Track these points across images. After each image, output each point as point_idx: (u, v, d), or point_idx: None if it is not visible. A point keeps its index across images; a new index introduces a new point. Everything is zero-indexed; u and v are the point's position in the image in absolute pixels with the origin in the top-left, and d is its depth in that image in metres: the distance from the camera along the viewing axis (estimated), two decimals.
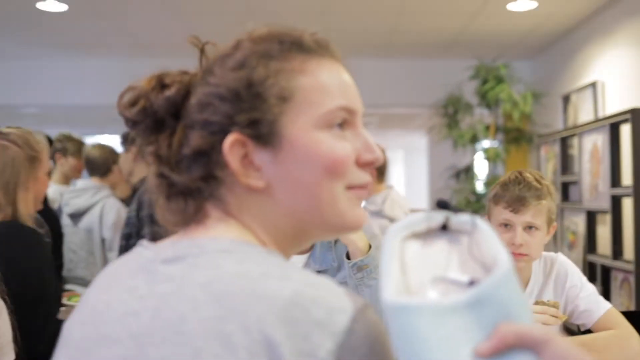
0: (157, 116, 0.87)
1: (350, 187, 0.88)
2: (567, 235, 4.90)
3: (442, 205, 0.91)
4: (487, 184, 5.60)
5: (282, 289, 0.74)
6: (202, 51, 0.92)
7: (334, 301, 0.75)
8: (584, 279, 2.10)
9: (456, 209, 0.87)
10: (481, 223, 0.82)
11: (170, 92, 0.87)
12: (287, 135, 0.84)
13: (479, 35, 5.57)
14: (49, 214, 3.32)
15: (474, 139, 5.52)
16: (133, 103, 0.87)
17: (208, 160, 0.86)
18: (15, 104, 6.91)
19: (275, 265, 0.79)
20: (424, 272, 0.81)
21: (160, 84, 0.88)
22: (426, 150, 9.99)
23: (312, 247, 2.09)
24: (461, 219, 0.83)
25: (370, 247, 1.86)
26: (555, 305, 1.87)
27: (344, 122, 0.88)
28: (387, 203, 4.05)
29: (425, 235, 0.85)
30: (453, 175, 5.94)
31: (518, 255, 2.00)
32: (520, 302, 0.74)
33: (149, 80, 0.88)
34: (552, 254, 2.16)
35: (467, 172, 5.89)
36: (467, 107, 5.56)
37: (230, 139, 0.84)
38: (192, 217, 0.88)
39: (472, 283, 0.78)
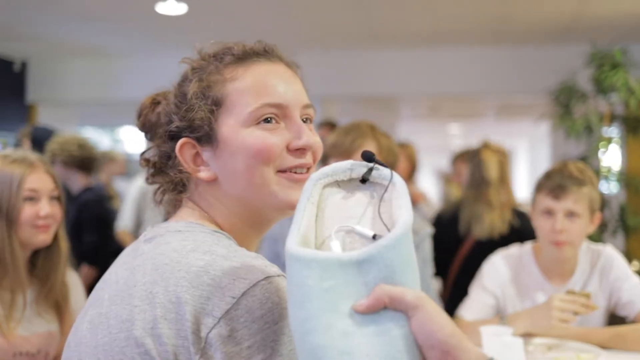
0: (153, 128, 1.09)
1: (280, 171, 1.02)
2: None
3: (367, 157, 0.90)
4: (601, 173, 5.38)
5: (199, 260, 0.91)
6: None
7: (241, 271, 0.89)
8: (629, 271, 2.08)
9: (381, 164, 0.89)
10: (398, 180, 0.85)
11: (158, 109, 1.09)
12: (221, 134, 1.01)
13: (594, 20, 5.36)
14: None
15: (588, 128, 5.33)
16: (138, 117, 1.10)
17: (174, 161, 1.06)
18: (139, 99, 7.39)
19: (207, 243, 0.95)
20: (338, 222, 0.86)
21: (154, 101, 1.10)
22: (547, 139, 9.68)
23: None
24: (382, 174, 0.87)
25: None
26: (587, 296, 1.86)
27: (274, 115, 1.01)
28: None
29: (349, 184, 0.90)
30: None
31: (559, 243, 2.00)
32: (407, 267, 0.78)
33: (148, 98, 1.11)
34: (599, 246, 2.14)
35: (583, 161, 5.69)
36: (581, 96, 5.37)
37: (180, 142, 1.03)
38: (173, 207, 1.08)
39: (375, 237, 0.83)
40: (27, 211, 1.79)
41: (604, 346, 1.90)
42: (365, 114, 10.09)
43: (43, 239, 1.83)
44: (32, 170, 1.82)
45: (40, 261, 1.89)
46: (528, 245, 2.25)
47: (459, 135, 14.52)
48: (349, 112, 9.51)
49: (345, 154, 2.10)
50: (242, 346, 0.85)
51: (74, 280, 2.02)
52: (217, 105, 1.01)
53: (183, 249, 0.93)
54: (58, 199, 1.89)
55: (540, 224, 2.09)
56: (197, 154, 1.03)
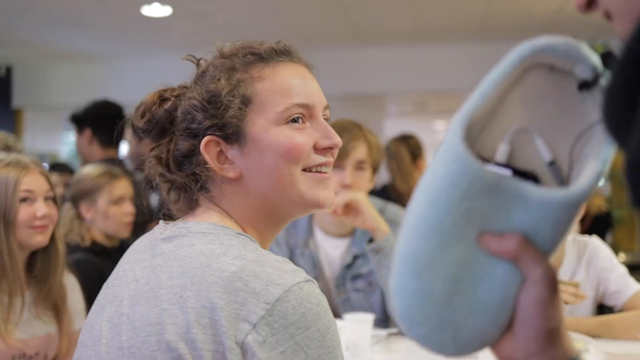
0: (160, 125, 1.06)
1: (306, 169, 1.03)
2: None
3: (605, 57, 0.64)
4: None
5: (231, 265, 0.90)
6: (197, 65, 1.10)
7: (273, 277, 0.89)
8: (615, 261, 2.13)
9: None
10: None
11: (167, 105, 1.06)
12: (250, 133, 1.01)
13: (576, 15, 5.41)
14: None
15: None
16: (142, 115, 1.07)
17: (193, 160, 1.04)
18: (125, 102, 7.39)
19: (235, 247, 0.94)
20: (523, 118, 0.68)
21: (161, 98, 1.07)
22: None
23: (353, 232, 2.25)
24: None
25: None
26: (575, 285, 1.90)
27: (302, 115, 1.03)
28: None
29: (559, 78, 0.67)
30: None
31: None
32: (560, 233, 0.63)
33: (153, 95, 1.07)
34: (585, 237, 2.19)
35: None
36: None
37: (204, 140, 1.02)
38: (188, 206, 1.06)
39: (552, 165, 0.67)
40: (24, 212, 1.81)
41: (592, 335, 1.94)
42: (351, 112, 10.10)
43: (40, 239, 1.85)
44: (26, 172, 1.84)
45: (38, 262, 1.91)
46: None
47: (445, 132, 14.58)
48: (335, 111, 9.50)
49: (341, 157, 2.13)
50: (277, 351, 0.86)
51: (71, 281, 2.03)
52: (246, 103, 1.01)
53: (211, 253, 0.93)
54: (53, 199, 1.91)
55: None
56: (220, 152, 1.03)
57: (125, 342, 0.93)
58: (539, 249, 0.64)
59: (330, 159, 1.06)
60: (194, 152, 1.03)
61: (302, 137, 1.02)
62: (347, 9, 5.30)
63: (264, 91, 1.02)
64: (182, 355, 0.87)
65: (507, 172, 0.65)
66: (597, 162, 0.62)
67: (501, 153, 0.67)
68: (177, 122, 1.05)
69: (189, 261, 0.93)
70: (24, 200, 1.83)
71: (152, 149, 1.09)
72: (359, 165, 2.17)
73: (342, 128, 2.15)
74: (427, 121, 12.46)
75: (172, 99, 1.07)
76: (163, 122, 1.06)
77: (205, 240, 0.96)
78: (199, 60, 1.10)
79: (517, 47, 0.66)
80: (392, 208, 2.28)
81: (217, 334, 0.86)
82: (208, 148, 1.02)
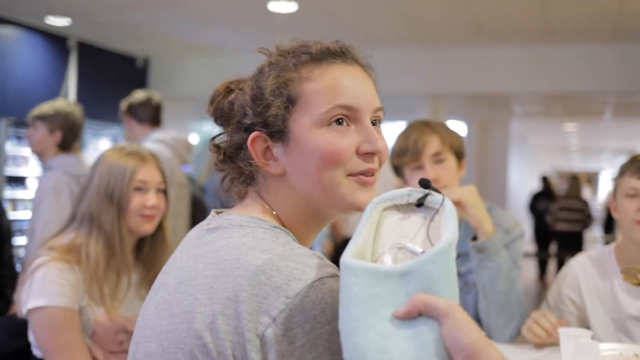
0: (224, 115, 1.11)
1: (350, 174, 1.03)
2: None
3: (423, 184, 1.00)
4: None
5: (257, 259, 0.94)
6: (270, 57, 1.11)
7: (296, 272, 0.92)
8: None
9: (436, 190, 0.98)
10: (448, 204, 0.94)
11: (231, 97, 1.10)
12: (293, 132, 1.03)
13: None
14: None
15: None
16: (211, 102, 1.12)
17: (242, 153, 1.08)
18: None
19: (266, 240, 0.97)
20: (392, 240, 0.95)
21: (227, 89, 1.12)
22: None
23: None
24: (435, 199, 0.96)
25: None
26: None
27: (344, 117, 1.02)
28: None
29: (406, 208, 0.99)
30: None
31: None
32: (445, 279, 0.86)
33: (222, 85, 1.13)
34: None
35: None
36: None
37: (252, 136, 1.05)
38: (238, 196, 1.11)
39: (423, 252, 0.91)
40: (136, 201, 1.95)
41: None
42: (476, 111, 9.95)
43: (147, 228, 1.98)
44: (143, 163, 1.98)
45: (146, 248, 2.06)
46: (610, 246, 2.19)
47: (576, 134, 13.99)
48: (459, 110, 9.40)
49: (416, 156, 2.14)
50: (296, 345, 0.88)
51: None
52: (291, 102, 1.02)
53: (243, 246, 0.96)
54: (164, 192, 2.05)
55: (624, 206, 2.03)
56: (267, 148, 1.04)
57: (164, 327, 0.98)
58: (439, 295, 0.84)
59: (374, 165, 1.05)
60: (244, 145, 1.06)
61: (342, 142, 1.01)
62: (470, 7, 5.23)
63: (310, 91, 1.02)
64: (207, 344, 0.91)
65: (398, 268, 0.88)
66: (447, 230, 0.89)
67: (387, 261, 0.92)
68: (233, 115, 1.09)
69: (222, 253, 0.97)
70: (137, 189, 1.97)
71: (213, 137, 1.13)
72: (436, 158, 2.15)
73: (408, 132, 2.17)
74: (556, 123, 12.01)
75: (237, 90, 1.10)
76: (226, 112, 1.10)
77: (241, 233, 0.99)
78: (271, 54, 1.11)
79: (373, 200, 0.98)
80: (498, 211, 2.25)
81: (239, 325, 0.90)
82: (255, 144, 1.04)
